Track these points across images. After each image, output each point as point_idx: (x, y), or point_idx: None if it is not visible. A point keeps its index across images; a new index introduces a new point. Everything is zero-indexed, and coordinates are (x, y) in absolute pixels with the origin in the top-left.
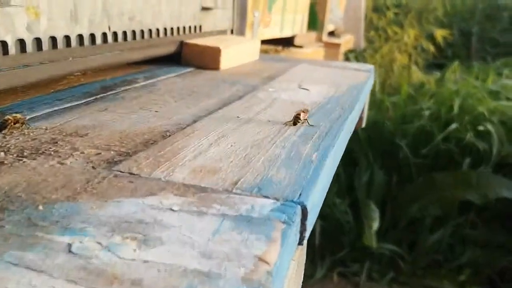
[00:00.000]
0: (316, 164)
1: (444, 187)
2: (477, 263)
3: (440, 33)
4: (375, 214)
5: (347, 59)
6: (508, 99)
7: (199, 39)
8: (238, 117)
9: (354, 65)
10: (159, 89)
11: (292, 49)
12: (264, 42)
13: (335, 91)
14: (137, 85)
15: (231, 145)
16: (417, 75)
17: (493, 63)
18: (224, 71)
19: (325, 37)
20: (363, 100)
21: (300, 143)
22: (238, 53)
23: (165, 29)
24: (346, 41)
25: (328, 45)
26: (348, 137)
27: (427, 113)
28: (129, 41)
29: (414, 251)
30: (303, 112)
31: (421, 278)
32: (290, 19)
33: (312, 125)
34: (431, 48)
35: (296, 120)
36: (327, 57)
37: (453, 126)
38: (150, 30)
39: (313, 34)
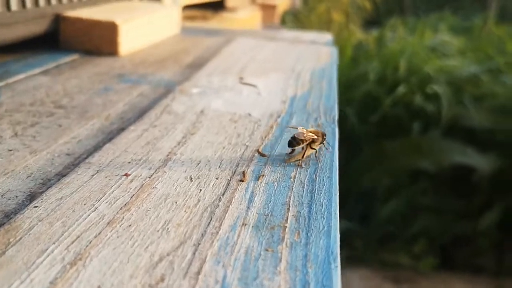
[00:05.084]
0: None
1: (394, 156)
2: (430, 231)
3: None
4: None
5: (283, 21)
6: (446, 55)
7: (84, 10)
8: (125, 175)
9: (308, 35)
10: None
11: (224, 14)
12: (189, 7)
13: (295, 86)
14: None
15: None
16: (356, 35)
17: (426, 18)
18: (125, 58)
19: None
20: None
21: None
22: (147, 29)
23: None
24: (283, 2)
25: (263, 7)
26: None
27: (372, 76)
28: None
29: (367, 224)
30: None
31: (375, 252)
32: None
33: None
34: (367, 5)
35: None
36: (263, 20)
37: (401, 89)
38: None
39: None
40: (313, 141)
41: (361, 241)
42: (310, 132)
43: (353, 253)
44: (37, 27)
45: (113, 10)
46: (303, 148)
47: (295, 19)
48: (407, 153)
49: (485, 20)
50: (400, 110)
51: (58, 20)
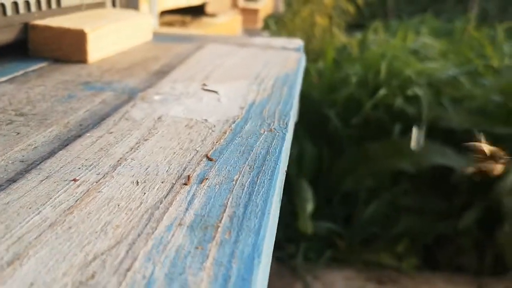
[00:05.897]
0: None
1: (376, 157)
2: (413, 232)
3: None
4: (308, 194)
5: (266, 25)
6: (427, 58)
7: (54, 19)
8: (74, 180)
9: (279, 41)
10: None
11: (204, 19)
12: (168, 12)
13: (256, 91)
14: None
15: None
16: (339, 38)
17: (409, 20)
18: (94, 65)
19: (241, 2)
20: (297, 99)
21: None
22: (118, 36)
23: None
24: (265, 5)
25: (245, 11)
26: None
27: (354, 79)
28: None
29: (350, 225)
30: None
31: (359, 253)
32: None
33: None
34: (351, 8)
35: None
36: (244, 24)
37: (382, 92)
38: None
39: None
40: None
41: (345, 242)
42: None
43: (336, 254)
44: (5, 36)
45: (84, 18)
46: None
47: (279, 23)
48: (388, 154)
49: (466, 23)
50: (382, 113)
51: (26, 28)
